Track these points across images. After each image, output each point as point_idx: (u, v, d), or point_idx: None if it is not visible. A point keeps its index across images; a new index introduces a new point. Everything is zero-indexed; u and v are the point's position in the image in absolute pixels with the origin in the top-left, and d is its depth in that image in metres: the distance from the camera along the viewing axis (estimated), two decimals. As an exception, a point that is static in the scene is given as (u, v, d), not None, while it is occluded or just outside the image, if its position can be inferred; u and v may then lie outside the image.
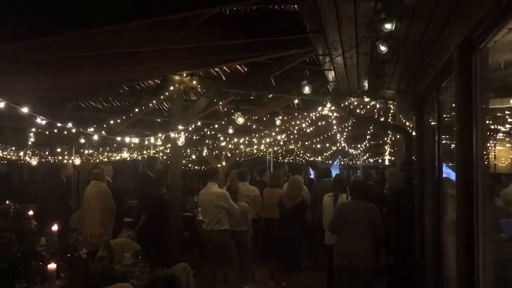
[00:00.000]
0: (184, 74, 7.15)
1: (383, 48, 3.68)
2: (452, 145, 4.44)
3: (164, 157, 14.14)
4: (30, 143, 9.77)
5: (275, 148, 16.01)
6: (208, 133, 9.45)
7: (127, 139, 7.22)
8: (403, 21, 3.67)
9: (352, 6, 3.47)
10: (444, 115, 5.22)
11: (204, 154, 14.44)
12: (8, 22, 3.90)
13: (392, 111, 8.53)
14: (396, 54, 4.72)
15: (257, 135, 11.48)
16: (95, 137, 6.66)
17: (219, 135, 9.94)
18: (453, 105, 3.88)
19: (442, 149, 5.42)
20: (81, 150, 11.23)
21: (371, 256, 5.84)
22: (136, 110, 8.68)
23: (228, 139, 10.48)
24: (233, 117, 7.69)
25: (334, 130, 11.28)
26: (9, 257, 4.90)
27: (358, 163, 21.84)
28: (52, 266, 4.20)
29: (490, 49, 3.40)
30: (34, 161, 12.48)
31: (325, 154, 17.02)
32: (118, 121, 8.93)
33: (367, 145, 15.41)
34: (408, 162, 7.24)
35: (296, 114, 10.41)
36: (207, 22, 5.46)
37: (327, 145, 15.25)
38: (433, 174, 5.82)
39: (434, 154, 5.72)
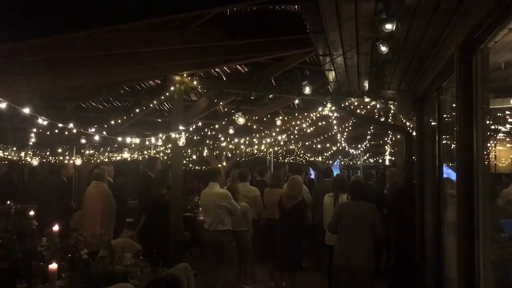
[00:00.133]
0: (185, 74, 7.16)
1: (383, 49, 3.68)
2: (453, 145, 4.45)
3: (165, 157, 14.15)
4: (31, 143, 9.77)
5: (276, 148, 16.01)
6: (209, 133, 9.46)
7: (127, 140, 7.23)
8: (403, 21, 3.67)
9: (353, 6, 3.48)
10: (445, 115, 5.23)
11: (204, 154, 14.44)
12: (8, 22, 3.91)
13: (392, 111, 8.52)
14: (396, 54, 4.72)
15: (257, 135, 11.48)
16: (96, 138, 6.67)
17: (219, 135, 9.94)
18: (454, 105, 3.89)
19: (442, 149, 5.43)
20: (82, 151, 11.23)
21: (371, 257, 5.84)
22: (137, 110, 8.69)
23: (228, 139, 10.48)
24: (233, 117, 7.69)
25: (334, 130, 11.27)
26: (10, 258, 4.92)
27: (358, 163, 21.83)
28: (53, 266, 4.20)
29: (491, 49, 3.41)
30: (35, 162, 12.49)
31: (325, 154, 17.00)
32: (119, 121, 8.94)
33: (368, 145, 15.39)
34: (409, 162, 7.26)
35: (296, 114, 10.41)
36: (208, 23, 5.47)
37: (328, 145, 15.24)
38: (433, 174, 5.83)
39: (435, 154, 5.73)
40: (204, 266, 6.96)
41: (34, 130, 8.46)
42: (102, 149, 12.27)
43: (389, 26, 3.27)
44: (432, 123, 5.99)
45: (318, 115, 9.06)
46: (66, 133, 7.02)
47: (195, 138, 9.92)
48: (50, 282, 4.20)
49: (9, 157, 13.83)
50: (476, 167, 3.41)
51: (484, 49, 3.37)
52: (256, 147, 13.03)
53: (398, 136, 10.32)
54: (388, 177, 9.25)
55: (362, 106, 8.43)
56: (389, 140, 13.58)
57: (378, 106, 8.17)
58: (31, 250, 5.06)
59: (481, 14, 2.98)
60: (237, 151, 14.92)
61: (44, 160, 13.71)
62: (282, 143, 12.70)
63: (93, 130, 6.65)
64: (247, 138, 10.93)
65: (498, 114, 6.04)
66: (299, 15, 4.47)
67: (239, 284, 7.23)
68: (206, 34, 5.65)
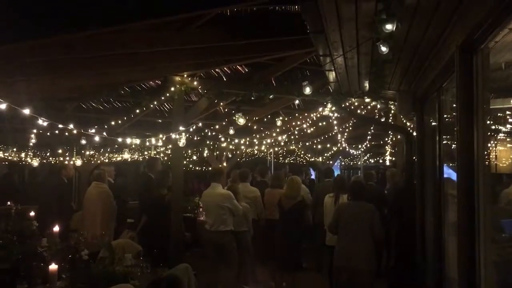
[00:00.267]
0: (185, 75, 7.16)
1: (384, 49, 3.68)
2: (453, 145, 4.44)
3: (165, 158, 14.15)
4: (31, 144, 9.77)
5: (276, 149, 16.00)
6: (209, 133, 9.44)
7: (128, 140, 7.23)
8: (404, 21, 3.67)
9: (353, 7, 3.47)
10: (445, 116, 5.22)
11: (205, 155, 14.44)
12: (8, 23, 3.91)
13: (393, 111, 8.52)
14: (397, 54, 4.72)
15: (258, 136, 11.48)
16: (96, 138, 6.67)
17: (220, 136, 9.94)
18: (454, 105, 3.89)
19: (443, 150, 5.43)
20: (82, 151, 11.23)
21: (371, 257, 5.84)
22: (137, 111, 8.69)
23: (229, 139, 10.48)
24: (234, 117, 7.69)
25: (334, 131, 11.26)
26: (10, 258, 4.92)
27: (359, 163, 21.82)
28: (53, 267, 4.20)
29: (491, 50, 3.41)
30: (35, 162, 12.50)
31: (326, 154, 17.00)
32: (119, 122, 8.94)
33: (368, 145, 15.38)
34: (409, 162, 7.26)
35: (296, 114, 10.41)
36: (208, 23, 5.47)
37: (328, 145, 15.23)
38: (433, 175, 5.83)
39: (435, 154, 5.73)
40: (204, 267, 6.96)
41: (34, 131, 8.45)
42: (102, 149, 12.27)
43: (389, 26, 3.28)
44: (433, 123, 5.99)
45: (318, 115, 9.06)
46: (67, 134, 7.02)
47: (195, 138, 9.92)
48: (50, 283, 4.20)
49: (9, 158, 13.85)
50: (476, 167, 3.41)
51: (484, 49, 3.37)
52: (256, 147, 13.03)
53: (399, 136, 10.32)
54: (389, 177, 9.25)
55: (362, 107, 8.43)
56: (389, 141, 13.58)
57: (378, 106, 8.17)
58: (32, 251, 5.06)
59: (481, 14, 2.98)
60: (238, 152, 14.91)
61: (44, 161, 13.72)
62: (282, 143, 12.69)
63: (93, 130, 6.64)
64: (248, 139, 10.93)
65: (499, 114, 6.03)
66: (299, 15, 4.46)
67: (239, 284, 7.23)
68: (206, 35, 5.65)
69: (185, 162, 15.95)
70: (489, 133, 3.89)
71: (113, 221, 7.62)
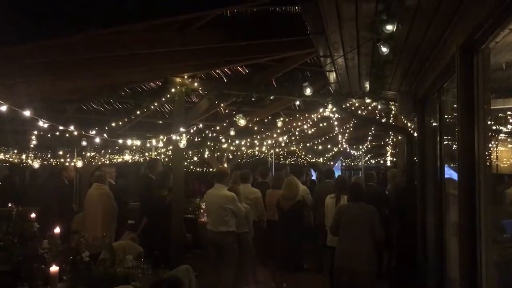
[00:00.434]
0: (186, 76, 7.16)
1: (384, 49, 3.68)
2: (454, 146, 4.44)
3: (166, 159, 14.14)
4: (32, 146, 9.77)
5: (277, 150, 16.00)
6: (210, 135, 9.45)
7: (128, 142, 7.23)
8: (404, 22, 3.67)
9: (353, 7, 3.47)
10: (446, 116, 5.22)
11: (205, 156, 14.44)
12: (8, 25, 3.91)
13: (393, 112, 8.52)
14: (397, 55, 4.72)
15: (258, 137, 11.48)
16: (97, 140, 6.67)
17: (220, 137, 9.94)
18: (455, 105, 3.88)
19: (444, 150, 5.42)
20: (83, 153, 11.23)
21: (372, 258, 5.83)
22: (138, 112, 8.69)
23: (229, 140, 10.48)
24: (234, 119, 7.69)
25: (335, 132, 11.26)
26: (11, 260, 4.93)
27: (360, 164, 21.82)
28: (54, 268, 4.20)
29: (492, 50, 3.40)
30: (36, 164, 12.48)
31: (326, 155, 17.00)
32: (120, 123, 8.94)
33: (369, 146, 15.38)
34: (410, 163, 7.25)
35: (297, 115, 10.41)
36: (209, 24, 5.47)
37: (329, 146, 15.23)
38: (435, 175, 5.82)
39: (436, 155, 5.72)
40: (205, 268, 6.96)
41: (35, 132, 8.46)
42: (103, 151, 12.26)
43: (389, 27, 3.27)
44: (433, 124, 5.99)
45: (319, 116, 9.07)
46: (67, 135, 7.02)
47: (196, 139, 9.92)
48: (51, 284, 4.20)
49: (10, 159, 13.86)
50: (477, 167, 3.41)
51: (485, 50, 3.36)
52: (257, 148, 13.04)
53: (399, 137, 10.31)
54: (390, 178, 9.25)
55: (363, 107, 8.43)
56: (390, 141, 13.58)
57: (379, 107, 8.16)
58: (33, 253, 5.06)
59: (482, 15, 2.98)
60: (238, 153, 14.91)
61: (45, 163, 13.73)
62: (283, 144, 12.70)
63: (94, 132, 6.65)
64: (248, 140, 10.93)
65: (500, 114, 6.03)
66: (300, 16, 4.47)
67: (240, 285, 7.22)
68: (207, 36, 5.66)
69: (185, 163, 15.93)
70: (490, 134, 3.89)
71: (114, 223, 7.61)
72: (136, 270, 4.56)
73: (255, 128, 11.12)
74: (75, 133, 6.16)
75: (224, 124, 9.57)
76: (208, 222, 7.19)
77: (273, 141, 11.32)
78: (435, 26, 3.83)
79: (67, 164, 11.11)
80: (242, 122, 7.59)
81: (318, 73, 8.02)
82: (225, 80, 8.64)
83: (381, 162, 21.82)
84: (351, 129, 11.51)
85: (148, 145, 7.91)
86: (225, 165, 14.13)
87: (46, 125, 5.03)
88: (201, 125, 8.71)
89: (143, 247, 5.52)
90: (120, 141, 7.24)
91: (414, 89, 6.46)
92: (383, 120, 9.63)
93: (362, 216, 5.92)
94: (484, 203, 3.38)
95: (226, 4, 4.81)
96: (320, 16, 3.69)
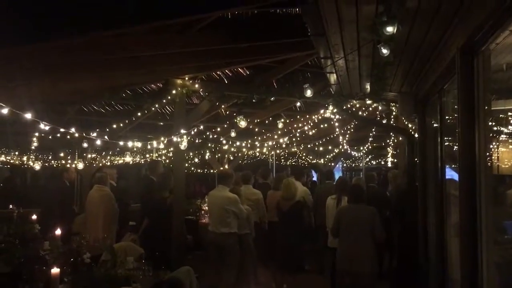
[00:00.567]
0: (186, 78, 7.17)
1: (384, 51, 3.68)
2: (455, 146, 4.44)
3: (167, 161, 14.15)
4: (33, 147, 9.79)
5: (278, 151, 16.01)
6: (211, 136, 9.45)
7: (129, 143, 7.24)
8: (404, 24, 3.67)
9: (354, 9, 3.48)
10: (447, 117, 5.22)
11: (206, 157, 14.45)
12: (9, 26, 3.92)
13: (394, 113, 8.52)
14: (398, 56, 4.72)
15: (259, 138, 11.49)
16: (98, 141, 6.67)
17: (221, 138, 9.95)
18: (455, 107, 3.88)
19: (444, 151, 5.42)
20: (84, 154, 11.24)
21: (373, 260, 5.84)
22: (139, 114, 8.70)
23: (230, 142, 10.49)
24: (235, 120, 7.70)
25: (336, 133, 11.26)
26: (12, 262, 4.93)
27: (360, 165, 21.82)
28: (55, 270, 4.20)
29: (492, 51, 3.41)
30: (37, 166, 12.50)
31: (327, 156, 17.00)
32: (121, 125, 8.95)
33: (370, 147, 15.39)
34: (411, 164, 7.25)
35: (298, 116, 10.42)
36: (209, 26, 5.47)
37: (330, 147, 15.24)
38: (435, 176, 5.82)
39: (437, 156, 5.72)
40: (206, 269, 6.96)
41: (36, 134, 8.46)
42: (104, 152, 12.28)
43: (390, 29, 3.28)
44: (434, 125, 5.99)
45: (320, 117, 9.07)
46: (68, 137, 7.03)
47: (197, 141, 9.93)
48: (52, 286, 4.19)
49: (11, 161, 13.87)
50: (478, 168, 3.41)
51: (485, 51, 3.37)
52: (258, 149, 13.04)
53: (400, 138, 10.30)
54: (391, 179, 9.25)
55: (364, 108, 8.43)
56: (391, 142, 13.57)
57: (380, 108, 8.16)
58: (34, 254, 5.07)
59: (482, 16, 2.98)
60: (239, 154, 14.91)
61: (46, 164, 13.74)
62: (284, 145, 12.70)
63: (95, 134, 6.65)
64: (249, 141, 10.93)
65: (501, 115, 6.04)
66: (300, 17, 4.47)
67: (241, 286, 7.22)
68: (207, 38, 5.66)
69: (186, 164, 15.92)
70: (491, 134, 3.89)
71: (115, 224, 7.62)
72: (137, 271, 4.56)
73: (256, 129, 11.13)
74: (76, 135, 6.16)
75: (225, 126, 9.59)
76: (209, 223, 7.19)
77: (274, 142, 11.32)
78: (435, 28, 3.83)
79: (68, 165, 11.13)
80: (242, 124, 7.59)
81: (318, 74, 8.02)
82: (226, 82, 8.64)
83: (382, 163, 21.80)
84: (352, 130, 11.51)
85: (149, 146, 7.91)
86: (226, 166, 14.15)
87: (47, 128, 5.03)
88: (202, 127, 8.73)
89: (144, 249, 5.52)
90: (121, 142, 7.25)
91: (414, 90, 6.46)
92: (384, 121, 9.62)
93: (363, 218, 5.93)
94: (485, 204, 3.38)
95: (227, 6, 4.82)
96: (321, 18, 3.70)
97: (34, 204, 9.14)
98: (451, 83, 4.53)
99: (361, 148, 15.81)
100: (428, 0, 3.27)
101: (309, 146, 14.80)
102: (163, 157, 14.05)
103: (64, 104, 9.19)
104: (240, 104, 8.17)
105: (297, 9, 5.41)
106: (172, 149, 8.89)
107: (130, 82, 7.54)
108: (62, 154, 11.87)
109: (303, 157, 19.41)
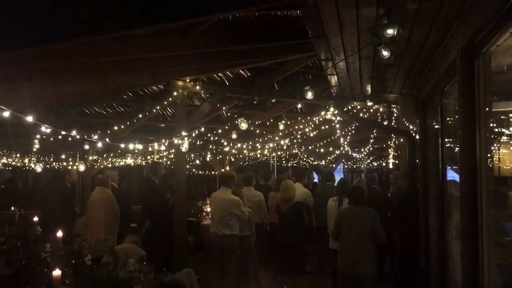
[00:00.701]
0: (188, 80, 7.18)
1: (385, 53, 3.68)
2: (456, 148, 4.44)
3: (168, 163, 14.16)
4: (34, 149, 9.80)
5: (279, 153, 16.01)
6: (212, 138, 9.45)
7: (131, 145, 7.24)
8: (405, 26, 3.67)
9: (354, 12, 3.48)
10: (447, 119, 5.22)
11: (208, 159, 14.45)
12: (12, 29, 3.93)
13: (395, 114, 8.51)
14: (398, 58, 4.73)
15: (260, 140, 11.49)
16: (100, 143, 6.68)
17: (222, 140, 9.95)
18: (456, 108, 3.89)
19: (445, 152, 5.42)
20: (86, 156, 11.25)
21: (373, 262, 5.84)
22: (140, 115, 8.71)
23: (231, 144, 10.49)
24: (236, 122, 7.71)
25: (337, 134, 11.27)
26: (14, 264, 4.94)
27: (362, 166, 21.80)
28: (57, 272, 4.20)
29: (493, 53, 3.41)
30: (38, 168, 12.52)
31: (328, 158, 17.00)
32: (122, 126, 8.96)
33: (371, 149, 15.38)
34: (412, 166, 7.24)
35: (299, 118, 10.42)
36: (210, 28, 5.49)
37: (331, 149, 15.23)
38: (437, 178, 5.82)
39: (438, 157, 5.72)
40: (208, 271, 6.96)
41: (38, 136, 8.48)
42: (105, 154, 12.29)
43: (390, 31, 3.28)
44: (435, 126, 5.99)
45: (321, 119, 9.07)
46: (70, 139, 7.04)
47: (198, 143, 9.93)
48: (54, 288, 4.21)
49: (13, 163, 13.89)
50: (479, 169, 3.41)
51: (486, 53, 3.37)
52: (259, 151, 13.04)
53: (401, 140, 10.30)
54: (392, 181, 9.23)
55: (365, 110, 8.43)
56: (392, 144, 13.56)
57: (381, 109, 8.16)
58: (35, 256, 5.08)
59: (483, 18, 2.98)
60: (240, 156, 14.91)
61: (47, 166, 13.75)
62: (285, 147, 12.70)
63: (96, 136, 6.66)
64: (250, 143, 10.94)
65: (502, 117, 6.03)
66: (301, 19, 4.48)
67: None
68: (209, 40, 5.68)
69: (188, 166, 15.93)
70: (492, 136, 3.89)
71: (116, 226, 7.62)
72: (139, 273, 4.57)
73: (257, 131, 11.13)
74: (78, 136, 6.17)
75: (226, 127, 9.59)
76: (211, 224, 7.19)
77: (275, 144, 11.32)
78: (436, 30, 3.84)
79: (69, 167, 11.13)
80: (244, 126, 7.60)
81: (319, 76, 8.04)
82: (227, 83, 8.65)
83: (383, 164, 21.79)
84: (353, 131, 11.51)
85: (150, 148, 7.92)
86: (227, 168, 14.15)
87: (49, 131, 5.04)
88: (203, 128, 8.73)
89: (145, 251, 5.53)
90: (123, 144, 7.26)
91: (415, 92, 6.46)
92: (385, 123, 9.62)
93: (363, 220, 5.93)
94: (486, 206, 3.38)
95: (228, 9, 4.82)
96: (321, 20, 3.71)
97: (36, 206, 9.16)
98: (452, 84, 4.54)
99: (362, 149, 15.80)
100: (429, 2, 3.27)
101: (310, 147, 14.80)
102: (165, 159, 14.05)
103: (66, 106, 9.20)
104: (241, 105, 8.18)
105: (297, 12, 5.42)
106: (173, 150, 8.91)
107: (132, 84, 7.55)
108: (63, 156, 11.87)
109: (304, 159, 19.40)
